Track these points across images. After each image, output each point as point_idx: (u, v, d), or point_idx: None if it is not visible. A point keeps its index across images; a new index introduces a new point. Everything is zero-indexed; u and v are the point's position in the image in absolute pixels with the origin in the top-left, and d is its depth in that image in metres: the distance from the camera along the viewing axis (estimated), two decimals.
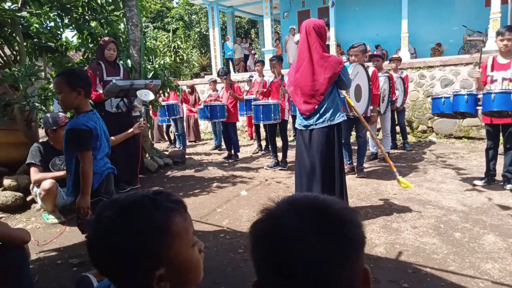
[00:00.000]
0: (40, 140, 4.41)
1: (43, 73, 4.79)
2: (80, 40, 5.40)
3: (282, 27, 15.22)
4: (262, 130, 7.18)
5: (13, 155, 4.53)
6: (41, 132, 5.16)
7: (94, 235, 0.78)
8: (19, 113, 4.30)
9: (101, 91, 4.44)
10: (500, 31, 3.96)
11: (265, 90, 6.11)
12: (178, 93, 7.46)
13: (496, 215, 3.35)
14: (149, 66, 5.60)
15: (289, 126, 7.31)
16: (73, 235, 3.31)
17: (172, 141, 9.11)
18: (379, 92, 5.13)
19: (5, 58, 4.78)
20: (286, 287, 0.60)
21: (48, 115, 3.85)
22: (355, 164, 5.19)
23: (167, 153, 6.70)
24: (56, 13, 5.04)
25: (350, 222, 0.63)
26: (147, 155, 5.82)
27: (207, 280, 2.38)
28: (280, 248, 0.60)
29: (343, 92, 3.80)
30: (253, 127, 8.03)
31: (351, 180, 4.74)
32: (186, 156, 6.67)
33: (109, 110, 4.63)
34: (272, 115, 5.61)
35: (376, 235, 3.07)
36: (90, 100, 3.19)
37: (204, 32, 20.30)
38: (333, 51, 11.13)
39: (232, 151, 6.70)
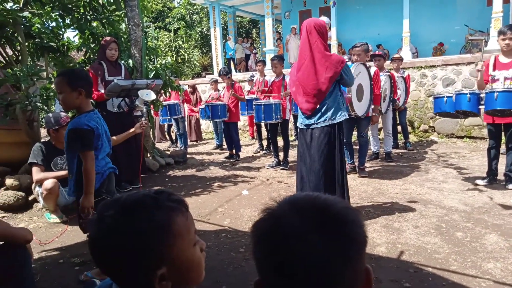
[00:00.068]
0: (42, 140, 4.42)
1: (45, 73, 4.80)
2: (81, 40, 5.41)
3: (283, 27, 15.20)
4: (263, 129, 7.19)
5: (15, 154, 4.54)
6: (43, 131, 5.18)
7: (96, 234, 0.78)
8: (21, 113, 4.31)
9: (103, 91, 4.44)
10: (502, 31, 3.95)
11: (266, 89, 6.11)
12: (179, 93, 7.47)
13: (498, 215, 3.34)
14: (150, 66, 5.61)
15: (291, 125, 7.32)
16: (75, 235, 3.32)
17: (174, 141, 9.12)
18: (380, 92, 5.12)
19: (7, 58, 4.79)
20: (288, 287, 0.60)
21: (50, 114, 3.86)
22: (356, 163, 5.18)
23: (168, 152, 6.71)
24: (57, 13, 5.05)
25: (352, 221, 0.63)
26: (148, 155, 5.83)
27: (209, 279, 2.38)
28: (282, 248, 0.60)
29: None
30: (255, 127, 8.04)
31: (352, 180, 4.73)
32: (188, 156, 6.68)
33: (110, 109, 4.64)
34: (274, 114, 5.61)
35: (377, 234, 3.07)
36: (91, 100, 3.20)
37: (206, 32, 20.30)
38: (334, 50, 11.10)
39: (234, 150, 6.70)
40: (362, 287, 0.64)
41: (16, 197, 4.03)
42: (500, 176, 4.26)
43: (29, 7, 4.75)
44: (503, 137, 4.18)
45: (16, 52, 4.92)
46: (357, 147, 5.20)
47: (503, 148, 4.44)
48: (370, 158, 5.89)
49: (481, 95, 3.83)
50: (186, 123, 8.62)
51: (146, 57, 5.56)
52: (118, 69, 4.77)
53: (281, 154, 5.92)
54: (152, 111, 6.55)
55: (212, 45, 13.78)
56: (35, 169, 3.72)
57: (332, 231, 0.60)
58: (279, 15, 15.07)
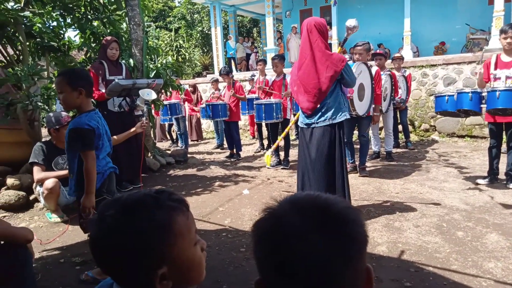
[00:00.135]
0: (43, 140, 4.43)
1: (45, 73, 4.81)
2: (82, 40, 5.41)
3: (284, 26, 15.19)
4: (264, 129, 7.18)
5: (16, 154, 4.54)
6: (44, 131, 5.19)
7: (97, 234, 0.78)
8: (22, 112, 4.31)
9: (103, 91, 4.45)
10: (503, 29, 3.94)
11: (267, 88, 6.11)
12: (180, 92, 7.47)
13: (499, 214, 3.34)
14: (151, 65, 5.61)
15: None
16: (76, 234, 3.32)
17: (174, 140, 9.12)
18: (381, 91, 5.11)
19: (8, 58, 4.80)
20: (288, 286, 0.60)
21: (51, 114, 3.87)
22: (357, 163, 5.18)
23: (169, 152, 6.71)
24: (58, 13, 5.05)
25: (353, 221, 0.63)
26: (149, 154, 5.84)
27: (209, 278, 2.39)
28: (282, 247, 0.60)
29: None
30: (255, 126, 8.04)
31: (353, 179, 4.73)
32: (188, 155, 6.69)
33: (111, 109, 4.64)
34: (274, 114, 5.61)
35: (378, 234, 3.07)
36: (92, 100, 3.21)
37: (206, 31, 20.30)
38: (335, 49, 11.10)
39: (234, 150, 6.70)
40: (363, 287, 0.64)
41: (17, 196, 4.04)
42: (501, 176, 4.25)
43: (30, 7, 4.76)
44: (504, 136, 4.17)
45: (17, 52, 4.92)
46: (358, 146, 5.20)
47: (504, 147, 4.43)
48: (371, 158, 5.89)
49: (483, 94, 3.82)
50: (187, 122, 8.62)
51: (147, 56, 5.56)
52: (119, 69, 4.77)
53: (281, 154, 5.92)
54: (153, 111, 6.56)
55: (213, 45, 13.78)
56: (36, 169, 3.73)
57: (333, 231, 0.60)
58: (280, 14, 15.06)
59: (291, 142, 6.33)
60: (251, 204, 4.01)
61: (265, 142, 7.36)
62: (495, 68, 4.03)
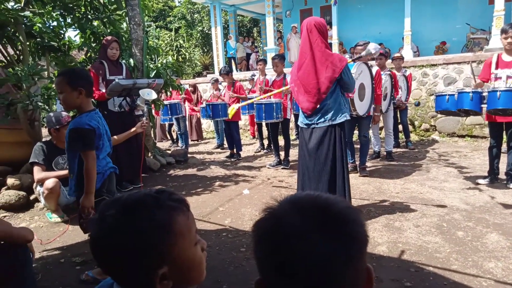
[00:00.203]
0: (43, 139, 4.43)
1: (46, 73, 4.80)
2: (82, 40, 5.41)
3: (284, 26, 15.19)
4: (264, 129, 7.18)
5: (17, 154, 4.55)
6: (44, 131, 5.19)
7: (98, 234, 0.78)
8: (22, 112, 4.31)
9: (104, 90, 4.45)
10: (504, 29, 3.94)
11: (267, 88, 6.10)
12: (180, 92, 7.47)
13: (499, 214, 3.34)
14: (151, 65, 5.61)
15: (291, 125, 7.31)
16: (76, 234, 3.32)
17: (175, 140, 9.12)
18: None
19: (8, 58, 4.80)
20: (289, 286, 0.60)
21: (51, 114, 3.87)
22: (357, 162, 5.18)
23: (169, 152, 6.71)
24: (58, 13, 5.05)
25: (353, 221, 0.63)
26: (149, 154, 5.84)
27: (210, 278, 2.39)
28: (283, 247, 0.60)
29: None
30: (255, 126, 8.04)
31: (353, 179, 4.72)
32: (189, 155, 6.69)
33: (112, 109, 4.64)
34: (274, 114, 5.61)
35: (378, 234, 3.07)
36: (92, 99, 3.20)
37: (206, 31, 20.30)
38: (335, 49, 11.10)
39: (234, 150, 6.70)
40: (363, 287, 0.64)
41: (18, 196, 4.04)
42: (502, 175, 4.25)
43: (30, 7, 4.76)
44: (504, 136, 4.17)
45: (18, 52, 4.92)
46: (358, 146, 5.20)
47: (504, 147, 4.43)
48: (371, 157, 5.88)
49: (484, 94, 3.82)
50: (187, 122, 8.62)
51: (147, 56, 5.56)
52: (119, 69, 4.77)
53: (282, 153, 5.92)
54: (153, 111, 6.56)
55: (213, 44, 13.78)
56: (36, 169, 3.73)
57: (333, 231, 0.60)
58: (280, 14, 15.06)
59: (291, 142, 6.33)
60: (251, 204, 4.01)
61: (265, 142, 7.36)
62: (496, 68, 4.03)
